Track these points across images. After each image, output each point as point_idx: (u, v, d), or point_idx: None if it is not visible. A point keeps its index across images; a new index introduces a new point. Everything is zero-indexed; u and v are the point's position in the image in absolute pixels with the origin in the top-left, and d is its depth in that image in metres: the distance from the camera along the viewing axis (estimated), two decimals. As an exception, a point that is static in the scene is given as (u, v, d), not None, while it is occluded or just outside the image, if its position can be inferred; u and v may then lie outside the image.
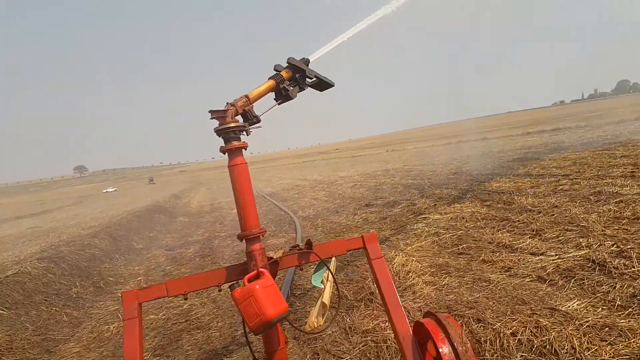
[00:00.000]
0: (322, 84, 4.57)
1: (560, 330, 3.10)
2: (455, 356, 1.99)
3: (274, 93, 3.73)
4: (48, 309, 5.90)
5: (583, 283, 3.88)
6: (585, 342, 2.92)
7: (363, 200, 11.44)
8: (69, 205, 41.99)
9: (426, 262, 5.17)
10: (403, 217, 8.09)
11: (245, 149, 3.11)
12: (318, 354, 3.53)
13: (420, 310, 3.84)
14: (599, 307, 3.40)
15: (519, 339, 3.10)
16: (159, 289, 2.57)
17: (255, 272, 2.50)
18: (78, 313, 5.96)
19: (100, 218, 16.58)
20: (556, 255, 4.58)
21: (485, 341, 3.17)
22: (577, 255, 4.49)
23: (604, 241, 4.71)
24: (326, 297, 2.78)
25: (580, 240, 4.91)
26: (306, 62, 4.32)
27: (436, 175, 14.42)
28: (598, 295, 3.61)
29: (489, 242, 5.54)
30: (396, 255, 5.38)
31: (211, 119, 2.88)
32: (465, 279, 4.45)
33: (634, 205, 5.85)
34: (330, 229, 8.57)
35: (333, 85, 4.85)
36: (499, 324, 3.31)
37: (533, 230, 5.62)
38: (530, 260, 4.60)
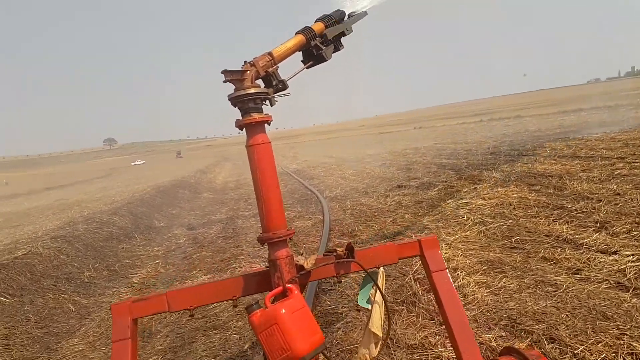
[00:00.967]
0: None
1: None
2: None
3: (300, 54, 3.11)
4: (55, 296, 5.50)
5: (676, 293, 3.20)
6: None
7: (394, 181, 10.77)
8: (98, 178, 42.46)
9: (475, 257, 4.53)
10: (441, 202, 7.39)
11: (269, 124, 2.51)
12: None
13: (477, 321, 3.22)
14: None
15: (609, 369, 2.47)
16: (158, 301, 2.01)
17: (280, 288, 1.90)
18: (87, 301, 5.55)
19: (125, 192, 16.36)
20: (633, 255, 3.88)
21: (565, 369, 2.55)
22: (659, 256, 3.79)
23: (691, 239, 3.99)
24: (376, 324, 2.16)
25: (660, 236, 4.20)
26: (341, 15, 3.60)
27: (472, 154, 13.59)
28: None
29: (546, 235, 4.85)
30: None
31: (224, 81, 2.29)
32: (525, 280, 3.79)
33: None
34: (360, 212, 7.97)
35: (366, 14, 4.09)
36: (580, 347, 2.67)
37: (597, 222, 4.90)
38: (602, 260, 3.90)
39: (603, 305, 3.14)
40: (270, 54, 2.59)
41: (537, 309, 3.24)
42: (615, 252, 4.03)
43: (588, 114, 25.93)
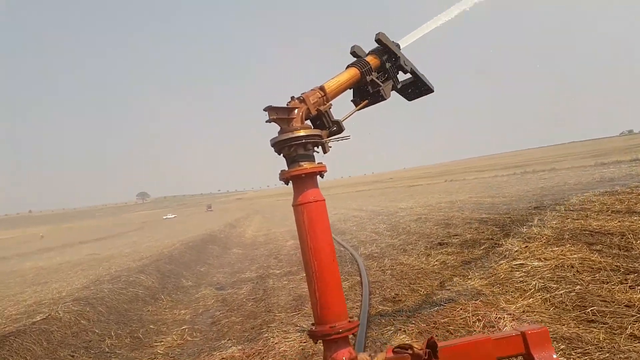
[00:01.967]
0: (418, 86, 3.32)
1: None
2: None
3: (351, 91, 2.71)
4: (72, 369, 5.04)
5: None
6: None
7: (433, 237, 10.17)
8: (130, 231, 42.80)
9: (546, 331, 3.90)
10: (492, 262, 6.77)
11: (322, 176, 2.05)
12: None
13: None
14: None
15: None
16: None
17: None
18: (107, 375, 5.07)
19: (155, 247, 16.14)
20: None
21: None
22: None
23: None
24: None
25: None
26: (397, 45, 3.16)
27: (513, 209, 12.87)
28: None
29: (627, 306, 4.19)
30: (500, 318, 4.16)
31: (268, 121, 1.90)
32: (617, 365, 3.16)
33: None
34: (401, 272, 7.39)
35: (433, 91, 3.56)
36: None
37: (686, 291, 4.23)
38: None
39: None
40: (322, 88, 2.18)
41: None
42: None
43: (629, 166, 24.87)
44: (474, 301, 5.06)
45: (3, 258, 27.43)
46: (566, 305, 4.51)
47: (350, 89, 2.44)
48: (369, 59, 2.53)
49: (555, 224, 9.02)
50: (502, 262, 6.66)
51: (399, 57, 2.71)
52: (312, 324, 1.68)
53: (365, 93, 2.51)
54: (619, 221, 8.05)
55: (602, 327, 3.87)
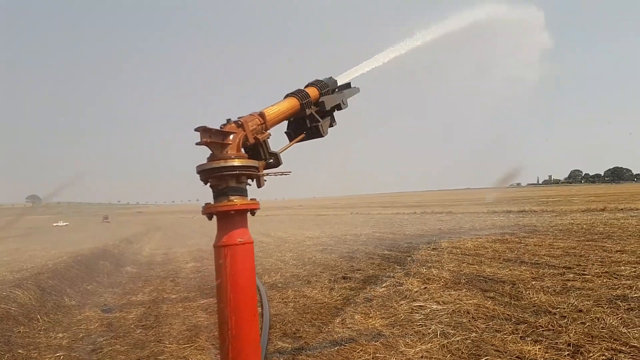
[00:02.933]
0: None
1: None
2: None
3: (286, 123, 2.57)
4: None
5: None
6: None
7: (337, 270, 10.20)
8: (13, 237, 38.56)
9: (444, 380, 3.94)
10: (393, 302, 6.83)
11: (254, 214, 1.84)
12: None
13: None
14: None
15: None
16: None
17: None
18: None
19: (39, 258, 14.62)
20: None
21: None
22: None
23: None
24: None
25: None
26: (334, 84, 3.08)
27: (414, 248, 13.38)
28: None
29: (518, 357, 4.36)
30: (400, 364, 4.14)
31: (199, 143, 1.65)
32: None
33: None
34: (304, 306, 7.23)
35: (346, 106, 3.60)
36: None
37: (569, 345, 4.51)
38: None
39: None
40: (262, 115, 1.99)
41: None
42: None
43: (516, 216, 27.04)
44: (374, 342, 5.03)
45: None
46: (462, 352, 4.61)
47: (287, 119, 2.31)
48: (309, 91, 2.42)
49: (453, 267, 9.45)
50: (402, 302, 6.77)
51: (340, 104, 2.64)
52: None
53: (302, 126, 2.39)
54: (510, 269, 8.62)
55: (495, 377, 3.99)
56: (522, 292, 6.72)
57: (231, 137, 1.60)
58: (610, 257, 9.16)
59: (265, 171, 1.78)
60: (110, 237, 27.22)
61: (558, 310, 5.67)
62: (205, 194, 2.08)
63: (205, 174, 1.56)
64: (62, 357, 5.56)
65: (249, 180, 1.69)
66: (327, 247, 15.51)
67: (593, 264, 8.54)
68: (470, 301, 6.47)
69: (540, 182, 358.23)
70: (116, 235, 29.85)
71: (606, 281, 7.05)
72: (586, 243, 11.67)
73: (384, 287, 7.97)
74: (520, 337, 4.89)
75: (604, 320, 5.12)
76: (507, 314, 5.73)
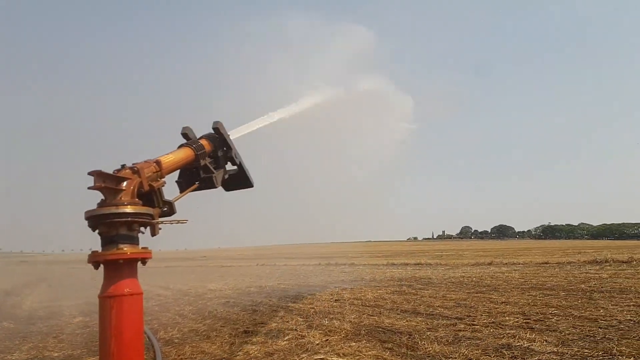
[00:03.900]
0: (241, 180, 3.43)
1: None
2: None
3: (177, 172, 2.57)
4: None
5: None
6: None
7: (240, 324, 9.89)
8: None
9: None
10: (294, 355, 6.76)
11: (145, 263, 1.78)
12: None
13: None
14: None
15: None
16: None
17: None
18: None
19: None
20: None
21: None
22: None
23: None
24: None
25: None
26: (226, 133, 3.19)
27: (317, 300, 13.44)
28: None
29: (412, 406, 4.49)
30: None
31: (91, 188, 1.58)
32: None
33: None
34: (202, 362, 6.90)
35: (252, 186, 3.75)
36: None
37: (458, 392, 4.73)
38: None
39: None
40: (158, 163, 1.98)
41: None
42: None
43: (413, 269, 28.23)
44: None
45: None
46: (360, 404, 4.65)
47: (181, 168, 2.30)
48: (203, 143, 2.45)
49: (353, 317, 9.61)
50: (303, 355, 6.71)
51: (232, 148, 2.69)
52: None
53: (194, 176, 2.39)
54: (407, 320, 8.94)
55: None
56: (417, 342, 6.98)
57: (125, 183, 1.54)
58: (496, 308, 9.87)
59: (160, 219, 1.74)
60: (-17, 289, 24.29)
61: (450, 359, 5.95)
62: (98, 244, 1.97)
63: (95, 220, 1.47)
64: None
65: (142, 228, 1.63)
66: (229, 299, 15.05)
67: (481, 315, 9.14)
68: (370, 352, 6.59)
69: (434, 236, 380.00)
70: (-10, 286, 26.71)
71: (493, 331, 7.56)
72: (475, 295, 12.49)
73: (286, 340, 7.87)
74: (415, 386, 5.04)
75: (489, 367, 5.45)
76: (403, 365, 5.90)
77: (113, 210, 1.47)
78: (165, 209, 1.90)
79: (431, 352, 6.41)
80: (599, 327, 7.48)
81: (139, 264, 1.52)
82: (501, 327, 7.83)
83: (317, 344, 7.33)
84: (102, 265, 1.50)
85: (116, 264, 1.45)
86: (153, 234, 1.74)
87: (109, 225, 1.50)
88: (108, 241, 1.51)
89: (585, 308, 9.38)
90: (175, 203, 2.10)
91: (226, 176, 2.66)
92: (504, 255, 39.34)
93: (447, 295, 12.64)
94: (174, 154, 2.08)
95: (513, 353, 6.09)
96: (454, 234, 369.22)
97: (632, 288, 12.31)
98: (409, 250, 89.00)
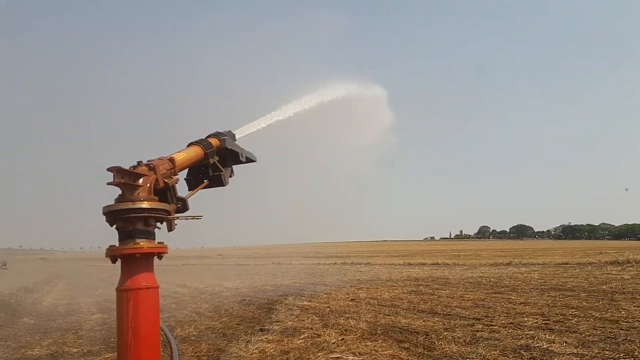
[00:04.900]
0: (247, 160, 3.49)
1: None
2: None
3: (186, 170, 2.59)
4: None
5: None
6: None
7: (256, 322, 9.93)
8: None
9: None
10: (310, 354, 6.75)
11: (161, 257, 1.81)
12: None
13: None
14: None
15: None
16: None
17: None
18: None
19: None
20: None
21: None
22: None
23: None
24: None
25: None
26: (232, 136, 3.20)
27: (333, 299, 13.42)
28: None
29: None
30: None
31: (110, 183, 1.61)
32: None
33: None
34: (217, 360, 6.94)
35: (255, 161, 3.77)
36: None
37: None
38: None
39: None
40: (171, 160, 2.00)
41: None
42: None
43: (430, 269, 28.05)
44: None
45: None
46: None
47: (191, 166, 2.32)
48: (211, 141, 2.46)
49: (370, 317, 9.57)
50: (320, 354, 6.70)
51: (239, 153, 2.70)
52: None
53: (203, 174, 2.40)
54: (424, 320, 8.87)
55: None
56: (434, 342, 6.92)
57: (142, 179, 1.56)
58: (515, 309, 9.73)
59: (176, 215, 1.75)
60: (7, 285, 24.77)
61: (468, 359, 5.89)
62: (115, 240, 1.99)
63: (112, 215, 1.49)
64: None
65: (158, 224, 1.65)
66: (245, 298, 15.13)
67: (500, 315, 9.03)
68: (386, 352, 6.55)
69: (452, 236, 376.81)
70: (14, 283, 27.22)
71: (511, 332, 7.46)
72: (494, 295, 12.34)
73: (302, 338, 7.86)
74: (432, 387, 4.99)
75: (507, 368, 5.37)
76: (420, 365, 5.85)
77: (130, 205, 1.49)
78: (179, 205, 1.92)
79: (448, 352, 6.34)
80: (620, 329, 7.33)
81: (155, 258, 1.54)
82: (520, 328, 7.71)
83: (333, 343, 7.31)
84: (119, 260, 1.52)
85: (133, 258, 1.46)
86: (170, 229, 1.76)
87: (126, 220, 1.52)
88: (125, 236, 1.53)
89: (607, 309, 9.20)
90: (188, 200, 2.13)
91: (232, 175, 2.68)
92: (522, 256, 38.81)
93: (465, 296, 12.51)
94: (185, 151, 2.10)
95: (532, 354, 5.99)
96: (471, 233, 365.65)
97: (656, 289, 12.04)
98: (426, 250, 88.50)
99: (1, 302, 15.15)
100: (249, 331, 8.96)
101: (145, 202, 1.54)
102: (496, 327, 7.90)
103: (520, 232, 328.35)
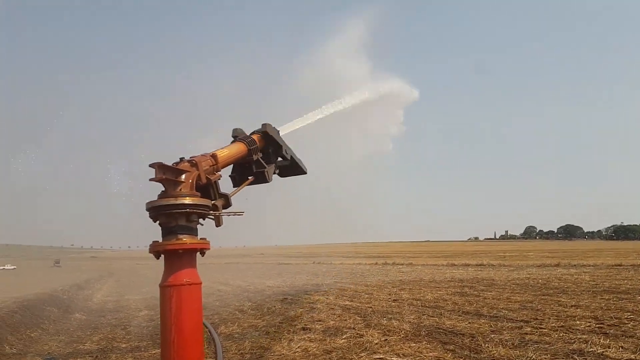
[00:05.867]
0: (293, 168, 3.47)
1: None
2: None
3: (231, 167, 2.58)
4: None
5: None
6: None
7: (298, 321, 9.94)
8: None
9: None
10: (353, 354, 6.69)
11: (203, 254, 1.79)
12: None
13: None
14: None
15: None
16: None
17: None
18: None
19: (-22, 303, 13.69)
20: None
21: None
22: None
23: None
24: None
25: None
26: (277, 134, 3.21)
27: (375, 299, 13.29)
28: None
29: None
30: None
31: (153, 179, 1.61)
32: None
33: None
34: (261, 358, 6.97)
35: (305, 173, 3.78)
36: None
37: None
38: None
39: None
40: (214, 156, 2.00)
41: None
42: None
43: (475, 270, 27.39)
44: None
45: None
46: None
47: (234, 163, 2.31)
48: (255, 138, 2.44)
49: (413, 318, 9.40)
50: (363, 354, 6.63)
51: (282, 146, 2.67)
52: None
53: (247, 171, 2.39)
54: (469, 322, 8.63)
55: None
56: (481, 345, 6.71)
57: (184, 175, 1.55)
58: (565, 312, 9.33)
59: (216, 212, 1.73)
60: (60, 281, 25.94)
61: (516, 364, 5.67)
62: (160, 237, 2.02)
63: (155, 211, 1.49)
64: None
65: (201, 220, 1.64)
66: (287, 296, 15.20)
67: (549, 318, 8.68)
68: (430, 353, 6.41)
69: (497, 237, 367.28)
70: (67, 280, 28.49)
71: (563, 335, 7.14)
72: (542, 297, 11.89)
73: (345, 338, 7.81)
74: (479, 391, 4.83)
75: (560, 374, 5.13)
76: (467, 368, 5.68)
77: (172, 201, 1.48)
78: (225, 201, 1.90)
79: (495, 355, 6.13)
80: (682, 335, 6.90)
81: (199, 255, 1.53)
82: (572, 332, 7.38)
83: (376, 344, 7.22)
84: (162, 255, 1.51)
85: (176, 254, 1.45)
86: (218, 224, 1.75)
87: (169, 216, 1.51)
88: (168, 232, 1.52)
89: (666, 314, 8.69)
90: (232, 198, 2.12)
91: (277, 171, 2.66)
92: (572, 257, 37.40)
93: (512, 297, 12.12)
94: (228, 148, 2.09)
95: (585, 359, 5.71)
96: (517, 234, 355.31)
97: None
98: (470, 250, 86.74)
99: (55, 298, 15.83)
100: (292, 330, 8.98)
101: (187, 197, 1.52)
102: (546, 330, 7.59)
103: (569, 232, 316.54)
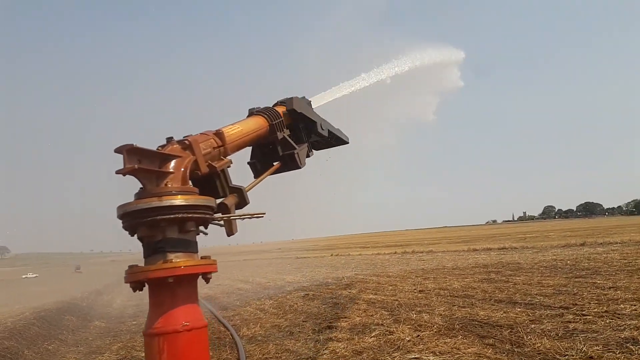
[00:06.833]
0: (332, 139, 2.97)
1: None
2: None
3: (250, 149, 1.99)
4: None
5: None
6: None
7: (322, 319, 9.52)
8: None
9: None
10: (385, 354, 6.24)
11: (207, 280, 1.30)
12: None
13: None
14: None
15: None
16: None
17: None
18: None
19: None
20: None
21: None
22: None
23: None
24: None
25: None
26: (307, 103, 2.64)
27: (399, 291, 12.80)
28: None
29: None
30: None
31: (119, 172, 1.05)
32: None
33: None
34: (286, 362, 6.56)
35: (347, 143, 3.28)
36: None
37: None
38: None
39: None
40: (219, 135, 1.38)
41: None
42: None
43: (497, 253, 26.71)
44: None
45: None
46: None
47: (252, 144, 1.73)
48: (279, 110, 1.86)
49: (444, 310, 8.92)
50: (395, 354, 6.17)
51: (316, 122, 2.12)
52: None
53: (271, 154, 1.82)
54: (504, 312, 8.11)
55: None
56: (522, 337, 6.21)
57: (173, 163, 1.00)
58: (605, 295, 8.75)
59: (222, 215, 1.19)
60: (80, 288, 25.93)
61: (566, 357, 5.18)
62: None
63: (129, 218, 0.95)
64: None
65: (203, 229, 1.10)
66: (308, 292, 14.80)
67: (590, 303, 8.12)
68: (469, 349, 5.93)
69: (515, 218, 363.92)
70: (86, 286, 28.53)
71: (610, 322, 6.59)
72: (576, 280, 11.30)
73: (374, 336, 7.36)
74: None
75: (621, 369, 4.62)
76: (512, 365, 5.19)
77: (155, 203, 0.94)
78: (241, 199, 1.32)
79: (541, 348, 5.62)
80: None
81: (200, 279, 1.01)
82: (619, 317, 6.82)
83: (408, 341, 6.75)
84: (146, 286, 1.00)
85: (164, 284, 0.92)
86: (230, 232, 1.21)
87: (152, 226, 0.96)
88: (152, 250, 0.98)
89: None
90: (249, 192, 1.57)
91: (311, 154, 2.14)
92: (595, 235, 36.44)
93: (543, 281, 11.53)
94: (241, 123, 1.52)
95: (645, 349, 5.18)
96: (536, 214, 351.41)
97: None
98: (489, 234, 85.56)
99: (74, 306, 15.65)
100: (316, 329, 8.57)
101: (179, 196, 0.98)
102: (590, 317, 7.04)
103: (589, 209, 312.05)
